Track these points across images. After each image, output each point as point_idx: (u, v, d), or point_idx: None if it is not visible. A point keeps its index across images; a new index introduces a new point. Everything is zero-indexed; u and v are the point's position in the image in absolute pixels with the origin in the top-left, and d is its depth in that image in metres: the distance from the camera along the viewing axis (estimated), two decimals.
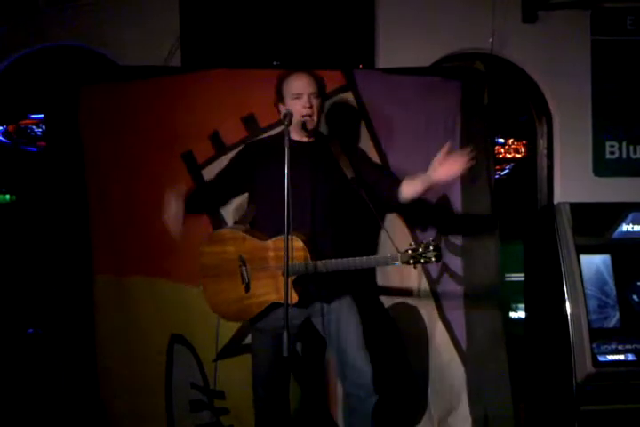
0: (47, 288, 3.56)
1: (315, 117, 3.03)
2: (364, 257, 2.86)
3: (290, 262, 2.78)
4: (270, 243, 2.94)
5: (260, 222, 3.05)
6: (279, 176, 2.76)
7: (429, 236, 3.52)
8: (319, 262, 2.87)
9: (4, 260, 4.36)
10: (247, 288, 2.97)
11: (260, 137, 3.40)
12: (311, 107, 2.99)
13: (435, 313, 3.58)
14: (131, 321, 3.53)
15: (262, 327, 3.00)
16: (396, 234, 3.36)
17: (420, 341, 3.58)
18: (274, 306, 2.94)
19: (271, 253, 2.92)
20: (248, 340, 3.45)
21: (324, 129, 3.35)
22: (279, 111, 3.08)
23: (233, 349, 3.50)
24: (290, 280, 2.80)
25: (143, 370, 3.53)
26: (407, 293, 3.57)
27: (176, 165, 3.58)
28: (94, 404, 3.52)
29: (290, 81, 3.03)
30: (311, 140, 3.10)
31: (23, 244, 4.54)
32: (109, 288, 3.54)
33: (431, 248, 2.77)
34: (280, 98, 3.06)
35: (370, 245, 3.42)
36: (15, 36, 3.98)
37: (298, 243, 2.86)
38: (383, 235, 3.41)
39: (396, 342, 3.53)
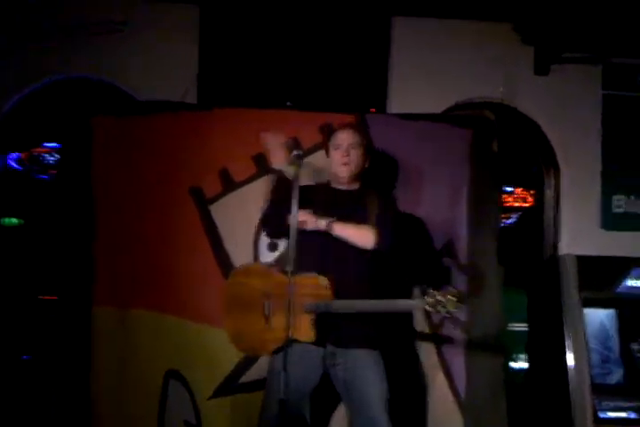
0: (48, 314, 3.54)
1: (352, 166, 3.11)
2: (385, 300, 2.86)
3: (313, 301, 2.83)
4: (299, 280, 2.91)
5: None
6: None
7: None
8: (340, 301, 2.88)
9: (7, 283, 4.36)
10: (268, 322, 3.01)
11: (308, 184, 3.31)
12: (348, 155, 3.09)
13: (435, 359, 3.53)
14: (128, 354, 3.49)
15: (279, 369, 2.85)
16: None
17: (418, 386, 3.52)
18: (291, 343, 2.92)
19: (299, 290, 2.89)
20: (244, 378, 3.41)
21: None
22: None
23: (229, 388, 3.45)
24: (309, 318, 2.83)
25: (137, 404, 3.48)
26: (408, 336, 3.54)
27: (184, 199, 3.59)
28: None
29: (335, 134, 3.20)
30: (351, 188, 3.17)
31: (27, 269, 4.54)
32: (109, 320, 3.52)
33: (454, 299, 2.73)
34: (327, 150, 3.20)
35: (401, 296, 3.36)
36: (33, 67, 4.07)
37: (323, 281, 2.89)
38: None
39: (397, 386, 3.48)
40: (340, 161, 3.11)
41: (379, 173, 3.41)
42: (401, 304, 2.88)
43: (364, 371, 2.98)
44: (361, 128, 3.26)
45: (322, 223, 2.97)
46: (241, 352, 3.27)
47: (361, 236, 2.99)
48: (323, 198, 3.08)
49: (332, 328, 2.95)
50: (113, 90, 4.09)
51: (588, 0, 3.84)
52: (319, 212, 2.99)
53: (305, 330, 2.86)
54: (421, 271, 3.49)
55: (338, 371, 2.99)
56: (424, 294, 2.83)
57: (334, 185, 3.18)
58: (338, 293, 2.92)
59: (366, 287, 3.02)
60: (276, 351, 2.96)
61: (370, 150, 3.25)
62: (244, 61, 4.02)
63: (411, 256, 3.20)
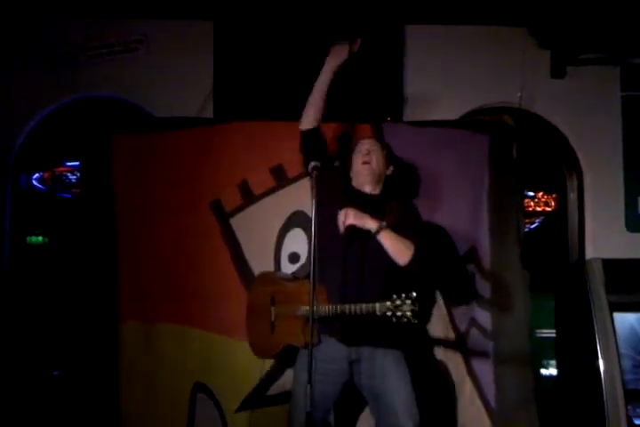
0: (74, 332, 3.57)
1: (373, 165, 3.16)
2: (360, 304, 2.83)
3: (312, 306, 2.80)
4: (295, 286, 3.05)
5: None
6: (333, 225, 2.92)
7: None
8: (331, 306, 2.88)
9: (34, 301, 4.41)
10: (272, 327, 3.11)
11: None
12: (368, 154, 3.16)
13: (463, 368, 3.49)
14: (155, 368, 3.51)
15: (303, 380, 2.82)
16: None
17: (447, 396, 3.48)
18: (291, 348, 3.00)
19: (295, 297, 3.01)
20: (271, 391, 3.42)
21: None
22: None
23: (256, 400, 3.45)
24: (301, 323, 2.86)
25: (166, 418, 3.49)
26: (434, 346, 3.50)
27: (205, 213, 3.62)
28: None
29: (356, 145, 3.29)
30: (375, 193, 3.19)
31: (53, 286, 4.59)
32: (135, 335, 3.54)
33: (408, 302, 2.69)
34: (349, 164, 3.25)
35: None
36: (53, 87, 4.13)
37: (320, 287, 2.87)
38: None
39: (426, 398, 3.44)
40: (360, 160, 3.16)
41: (399, 181, 3.40)
42: (364, 308, 2.82)
43: (389, 378, 2.95)
44: (380, 138, 3.33)
45: (371, 224, 2.92)
46: (261, 359, 3.32)
47: (401, 250, 2.94)
48: (344, 196, 3.10)
49: (349, 329, 2.93)
50: (131, 107, 4.13)
51: (602, 1, 3.81)
52: (337, 208, 2.97)
53: (297, 334, 2.92)
54: (444, 280, 3.46)
55: (362, 379, 2.97)
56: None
57: (357, 188, 3.21)
58: (355, 297, 2.88)
59: (385, 294, 2.93)
60: (278, 356, 3.09)
61: (391, 159, 3.27)
62: (258, 74, 4.04)
63: (434, 266, 3.15)
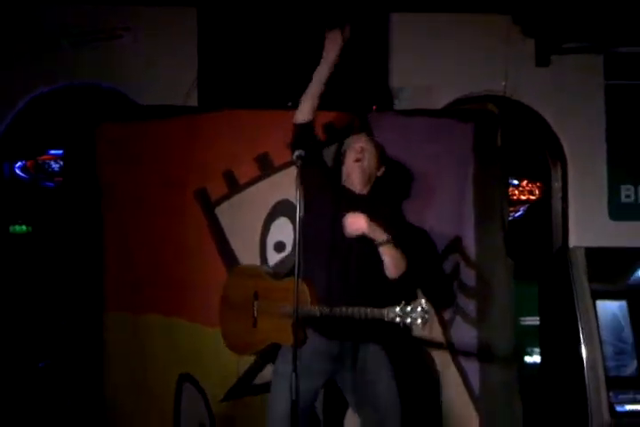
0: (59, 321, 3.55)
1: (364, 164, 3.11)
2: (363, 308, 2.77)
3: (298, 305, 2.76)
4: (282, 283, 2.98)
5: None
6: (320, 222, 2.96)
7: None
8: (325, 308, 2.83)
9: (17, 291, 4.38)
10: (255, 323, 3.04)
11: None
12: (361, 152, 3.11)
13: (447, 356, 3.52)
14: (141, 358, 3.52)
15: (283, 371, 2.88)
16: None
17: (431, 384, 3.51)
18: (276, 346, 2.98)
19: (281, 294, 2.93)
20: (257, 380, 3.43)
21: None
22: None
23: (241, 389, 3.46)
24: (290, 322, 2.77)
25: (151, 407, 3.50)
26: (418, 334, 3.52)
27: (190, 202, 3.61)
28: None
29: (348, 140, 3.27)
30: (363, 193, 3.15)
31: (37, 276, 4.57)
32: (121, 325, 3.54)
33: (419, 309, 2.67)
34: (342, 160, 3.23)
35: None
36: (36, 74, 4.07)
37: (302, 286, 2.81)
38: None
39: (410, 385, 3.47)
40: (352, 158, 3.13)
41: (390, 182, 3.39)
42: (370, 312, 2.77)
43: (369, 371, 2.97)
44: (373, 138, 3.31)
45: (380, 235, 2.89)
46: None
47: (397, 266, 2.94)
48: (335, 196, 3.08)
49: (335, 325, 2.91)
50: (115, 95, 4.09)
51: None
52: (328, 208, 3.00)
53: (286, 333, 2.79)
54: (424, 280, 3.46)
55: (344, 372, 2.97)
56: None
57: (347, 186, 3.17)
58: (339, 295, 2.89)
59: (369, 293, 2.97)
60: (260, 353, 3.05)
61: (383, 159, 3.23)
62: (243, 62, 4.01)
63: (416, 269, 3.13)
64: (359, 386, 2.97)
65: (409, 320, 2.65)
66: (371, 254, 2.95)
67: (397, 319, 2.67)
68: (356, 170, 3.12)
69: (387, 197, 3.29)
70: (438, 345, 3.52)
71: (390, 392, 2.96)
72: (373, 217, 2.96)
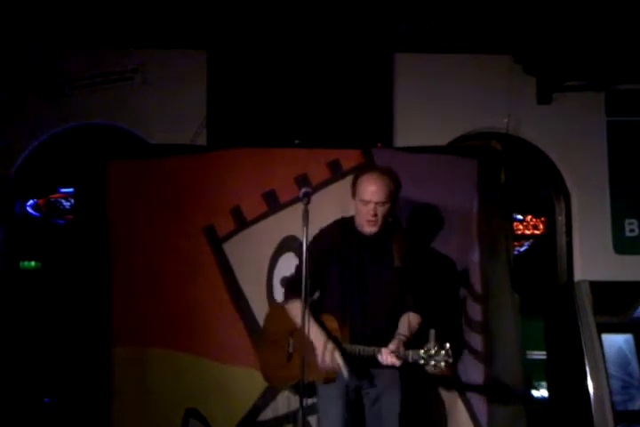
0: (66, 357, 3.57)
1: (378, 223, 3.09)
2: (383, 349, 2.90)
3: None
4: (321, 318, 3.05)
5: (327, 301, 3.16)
6: (340, 269, 3.08)
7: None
8: (354, 346, 2.97)
9: (26, 326, 4.40)
10: (289, 358, 3.13)
11: (322, 234, 3.23)
12: (375, 215, 3.08)
13: (454, 391, 3.51)
14: (147, 393, 3.51)
15: (323, 394, 3.03)
16: None
17: (439, 418, 3.48)
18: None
19: None
20: (262, 416, 3.42)
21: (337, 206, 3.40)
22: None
23: (248, 425, 3.44)
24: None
25: None
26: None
27: (198, 238, 3.65)
28: None
29: (363, 183, 3.11)
30: (373, 233, 3.14)
31: (46, 311, 4.59)
32: (127, 360, 3.54)
33: (442, 353, 2.75)
34: (353, 193, 3.17)
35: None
36: (50, 115, 4.18)
37: (334, 324, 2.99)
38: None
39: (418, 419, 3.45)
40: (365, 218, 3.08)
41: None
42: (398, 352, 2.89)
43: (384, 401, 3.04)
44: (389, 172, 3.16)
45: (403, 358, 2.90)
46: (263, 385, 3.35)
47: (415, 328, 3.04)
48: (350, 240, 3.12)
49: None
50: (126, 135, 4.18)
51: (585, 29, 3.90)
52: (344, 253, 3.09)
53: (317, 371, 2.93)
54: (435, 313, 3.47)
55: (365, 400, 3.06)
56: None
57: (359, 229, 3.14)
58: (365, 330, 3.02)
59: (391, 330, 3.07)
60: (293, 388, 3.07)
61: (397, 192, 3.16)
62: (251, 102, 4.11)
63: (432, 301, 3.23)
64: (373, 412, 3.05)
65: (433, 363, 2.75)
66: (386, 287, 3.07)
67: (421, 362, 2.77)
68: (370, 230, 3.11)
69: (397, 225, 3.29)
70: (445, 380, 3.51)
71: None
72: (390, 253, 3.08)
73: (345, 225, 3.19)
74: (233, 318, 3.54)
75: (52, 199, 5.47)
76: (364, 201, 3.08)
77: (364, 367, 3.02)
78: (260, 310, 3.51)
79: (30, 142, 4.18)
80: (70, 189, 5.08)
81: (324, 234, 3.17)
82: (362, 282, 3.08)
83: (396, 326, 3.05)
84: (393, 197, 3.12)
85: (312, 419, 3.26)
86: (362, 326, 3.04)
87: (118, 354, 3.55)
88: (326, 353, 2.94)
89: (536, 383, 4.76)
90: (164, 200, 3.69)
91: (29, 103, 4.17)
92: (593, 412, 3.46)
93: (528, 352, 4.26)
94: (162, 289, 3.60)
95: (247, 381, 3.39)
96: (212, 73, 4.17)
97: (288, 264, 3.57)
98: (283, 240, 3.61)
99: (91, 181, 3.74)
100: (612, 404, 3.45)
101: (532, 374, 4.62)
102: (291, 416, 3.31)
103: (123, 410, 3.49)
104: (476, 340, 3.53)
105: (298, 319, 3.01)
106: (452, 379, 3.49)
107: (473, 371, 3.49)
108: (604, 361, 3.51)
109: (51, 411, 4.27)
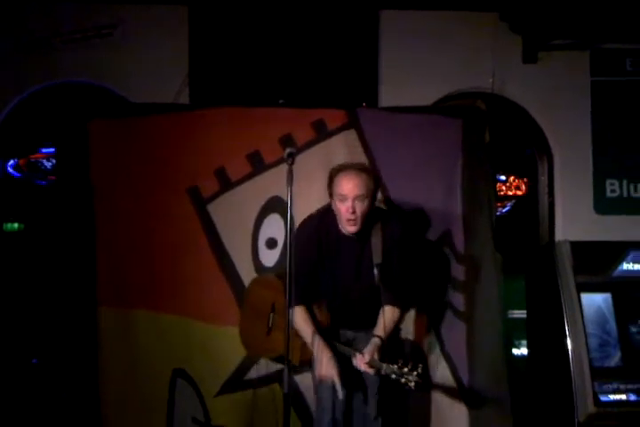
0: (52, 318, 3.58)
1: (359, 220, 3.01)
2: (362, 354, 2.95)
3: None
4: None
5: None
6: (331, 264, 3.12)
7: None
8: (340, 345, 3.07)
9: (11, 288, 4.40)
10: (269, 332, 3.25)
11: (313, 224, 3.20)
12: (354, 213, 2.99)
13: (437, 349, 3.58)
14: (134, 354, 3.55)
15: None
16: None
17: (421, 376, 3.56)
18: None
19: None
20: (249, 375, 3.47)
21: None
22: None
23: (234, 384, 3.50)
24: (300, 342, 3.05)
25: (145, 403, 3.54)
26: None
27: (182, 199, 3.63)
28: None
29: (340, 180, 3.03)
30: (354, 232, 3.09)
31: (30, 273, 4.59)
32: (113, 320, 3.56)
33: (414, 373, 2.80)
34: (330, 193, 3.08)
35: None
36: (29, 73, 4.09)
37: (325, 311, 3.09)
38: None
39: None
40: (345, 216, 3.00)
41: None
42: (375, 364, 2.93)
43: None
44: (365, 168, 3.13)
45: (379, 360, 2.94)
46: (239, 344, 3.41)
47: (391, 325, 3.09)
48: (331, 241, 3.12)
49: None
50: (107, 93, 4.11)
51: None
52: (327, 252, 3.11)
53: (295, 353, 2.96)
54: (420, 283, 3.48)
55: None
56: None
57: (342, 230, 3.10)
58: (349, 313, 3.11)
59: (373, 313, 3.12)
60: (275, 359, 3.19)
61: (377, 184, 3.10)
62: (234, 60, 4.04)
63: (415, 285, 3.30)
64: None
65: (403, 380, 2.81)
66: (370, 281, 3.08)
67: (393, 376, 2.84)
68: (352, 228, 3.04)
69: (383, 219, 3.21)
70: (428, 337, 3.58)
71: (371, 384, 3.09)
72: (370, 244, 3.09)
73: (326, 222, 3.15)
74: (218, 279, 3.55)
75: (33, 159, 5.40)
76: (341, 196, 2.99)
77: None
78: (246, 271, 3.53)
79: (9, 101, 4.10)
80: (51, 150, 5.02)
81: (307, 226, 3.16)
82: (344, 276, 3.11)
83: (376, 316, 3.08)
84: (372, 193, 3.04)
85: (297, 377, 3.30)
86: (344, 318, 3.11)
87: (103, 314, 3.57)
88: (323, 363, 2.97)
89: (517, 342, 4.87)
90: (147, 160, 3.66)
91: (6, 62, 4.07)
92: (571, 369, 3.55)
93: (509, 311, 4.34)
94: (145, 249, 3.61)
95: (233, 341, 3.43)
96: (194, 29, 4.08)
97: (272, 225, 3.59)
98: (267, 201, 3.61)
99: (72, 141, 3.70)
100: (590, 361, 3.54)
101: (512, 333, 4.72)
102: (276, 375, 3.36)
103: (110, 371, 3.54)
104: (458, 299, 3.58)
105: (300, 323, 3.04)
106: (435, 338, 3.56)
107: (456, 330, 3.55)
108: (583, 320, 3.59)
109: (38, 372, 4.32)
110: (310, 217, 3.22)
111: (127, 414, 3.54)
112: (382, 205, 3.42)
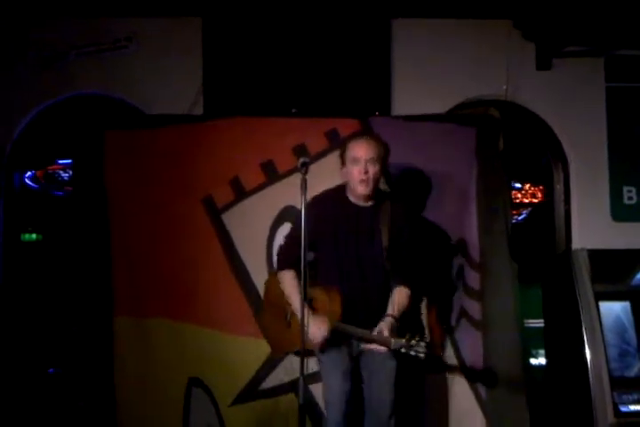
0: (69, 328, 3.60)
1: (371, 183, 3.06)
2: (372, 333, 2.95)
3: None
4: (314, 292, 3.06)
5: (321, 272, 3.18)
6: (332, 241, 3.08)
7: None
8: (343, 325, 3.00)
9: (29, 298, 4.44)
10: (288, 325, 3.17)
11: (319, 199, 3.20)
12: (367, 173, 3.04)
13: (454, 360, 3.55)
14: (150, 362, 3.56)
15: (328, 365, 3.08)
16: None
17: (439, 387, 3.54)
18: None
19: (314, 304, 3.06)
20: (264, 385, 3.48)
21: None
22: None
23: (250, 394, 3.50)
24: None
25: (161, 412, 3.55)
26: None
27: (196, 209, 3.66)
28: None
29: (352, 145, 3.12)
30: (368, 204, 3.14)
31: (48, 283, 4.62)
32: (129, 330, 3.59)
33: (422, 344, 2.84)
34: (342, 162, 3.14)
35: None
36: (46, 86, 4.13)
37: (324, 297, 3.03)
38: None
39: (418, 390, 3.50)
40: (357, 178, 3.05)
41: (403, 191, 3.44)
42: (378, 339, 2.96)
43: (378, 372, 3.07)
44: (377, 137, 3.20)
45: (392, 339, 2.93)
46: (264, 354, 3.43)
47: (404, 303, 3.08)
48: (343, 213, 3.11)
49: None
50: (122, 105, 4.14)
51: None
52: (339, 226, 3.09)
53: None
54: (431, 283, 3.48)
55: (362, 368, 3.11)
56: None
57: (353, 200, 3.14)
58: (360, 304, 3.04)
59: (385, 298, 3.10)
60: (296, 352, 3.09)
61: (386, 158, 3.15)
62: (247, 70, 4.05)
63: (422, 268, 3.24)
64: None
65: (413, 353, 2.84)
66: (377, 261, 3.09)
67: (402, 350, 2.86)
68: (364, 190, 3.08)
69: (392, 199, 3.25)
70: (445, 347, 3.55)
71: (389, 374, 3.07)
72: (378, 226, 3.07)
73: (338, 196, 3.17)
74: (233, 289, 3.57)
75: (51, 171, 5.47)
76: (354, 159, 3.06)
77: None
78: (260, 281, 3.53)
79: (26, 114, 4.14)
80: (68, 161, 5.07)
81: (317, 203, 3.13)
82: (353, 256, 3.08)
83: (387, 302, 3.06)
84: (382, 159, 3.10)
85: (313, 387, 3.29)
86: (353, 302, 3.05)
87: (120, 323, 3.59)
88: (313, 324, 2.96)
89: (534, 351, 4.82)
90: (162, 170, 3.70)
91: (24, 74, 4.12)
92: (590, 379, 3.50)
93: (526, 320, 4.29)
94: (161, 259, 3.63)
95: (248, 350, 3.44)
96: (208, 41, 4.10)
97: None
98: (281, 211, 3.63)
99: (88, 152, 3.74)
100: (609, 371, 3.49)
101: (529, 343, 4.68)
102: (292, 385, 3.36)
103: (126, 380, 3.55)
104: (474, 308, 3.57)
105: (289, 289, 3.08)
106: (451, 347, 3.54)
107: (471, 339, 3.53)
108: (602, 329, 3.54)
109: (55, 382, 4.34)
110: (324, 192, 3.22)
111: (143, 423, 3.54)
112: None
